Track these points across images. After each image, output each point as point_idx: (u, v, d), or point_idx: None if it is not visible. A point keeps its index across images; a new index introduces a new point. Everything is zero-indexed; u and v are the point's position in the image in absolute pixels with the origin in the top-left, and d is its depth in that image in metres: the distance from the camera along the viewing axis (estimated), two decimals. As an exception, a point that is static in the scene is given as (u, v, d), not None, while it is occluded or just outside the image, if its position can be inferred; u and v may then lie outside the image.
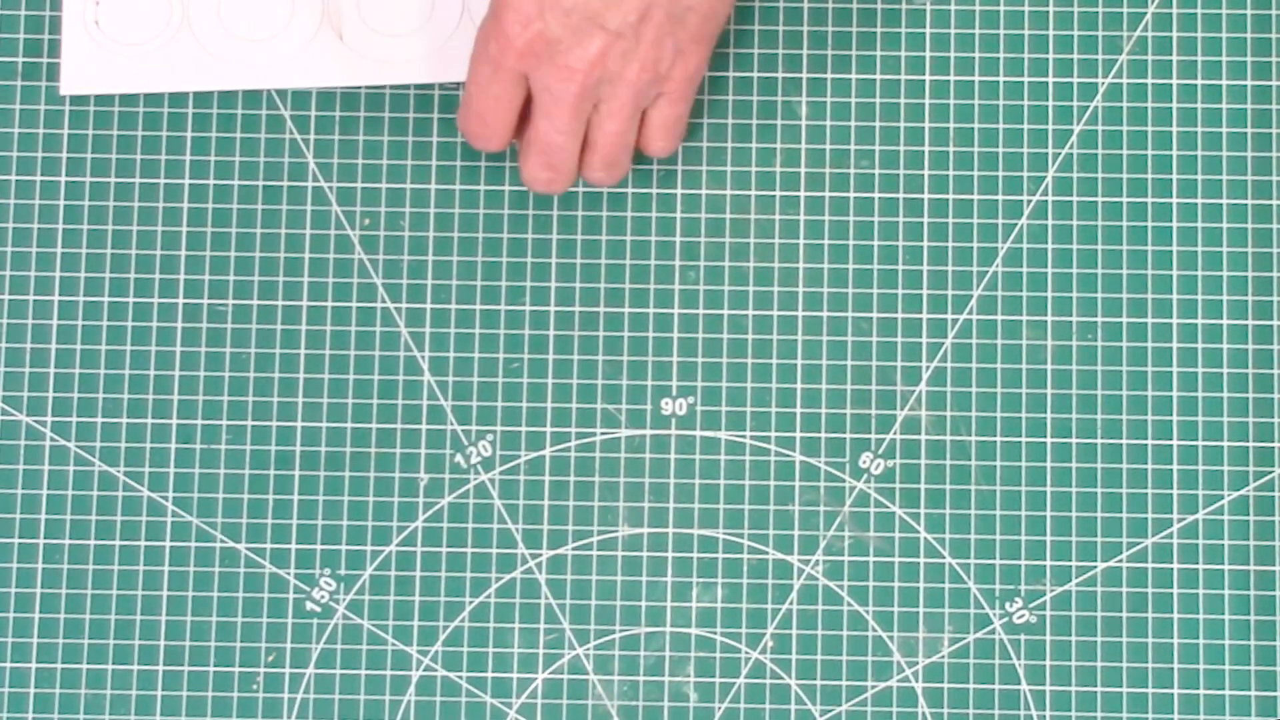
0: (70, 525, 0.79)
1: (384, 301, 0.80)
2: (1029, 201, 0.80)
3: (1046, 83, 0.81)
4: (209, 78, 0.80)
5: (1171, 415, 0.79)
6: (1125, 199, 0.80)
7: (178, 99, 0.81)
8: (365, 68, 0.80)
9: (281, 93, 0.81)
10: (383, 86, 0.81)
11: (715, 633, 0.79)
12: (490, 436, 0.80)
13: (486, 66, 0.75)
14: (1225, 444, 0.79)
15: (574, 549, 0.79)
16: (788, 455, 0.79)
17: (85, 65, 0.80)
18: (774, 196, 0.81)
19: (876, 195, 0.80)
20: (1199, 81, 0.81)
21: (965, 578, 0.79)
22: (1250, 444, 0.79)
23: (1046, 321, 0.79)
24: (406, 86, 0.81)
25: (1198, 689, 0.78)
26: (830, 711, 0.78)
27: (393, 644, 0.79)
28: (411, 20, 0.80)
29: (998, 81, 0.81)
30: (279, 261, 0.80)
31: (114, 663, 0.78)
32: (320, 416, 0.80)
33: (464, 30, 0.79)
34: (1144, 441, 0.79)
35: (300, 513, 0.79)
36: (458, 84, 0.81)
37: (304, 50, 0.80)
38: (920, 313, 0.80)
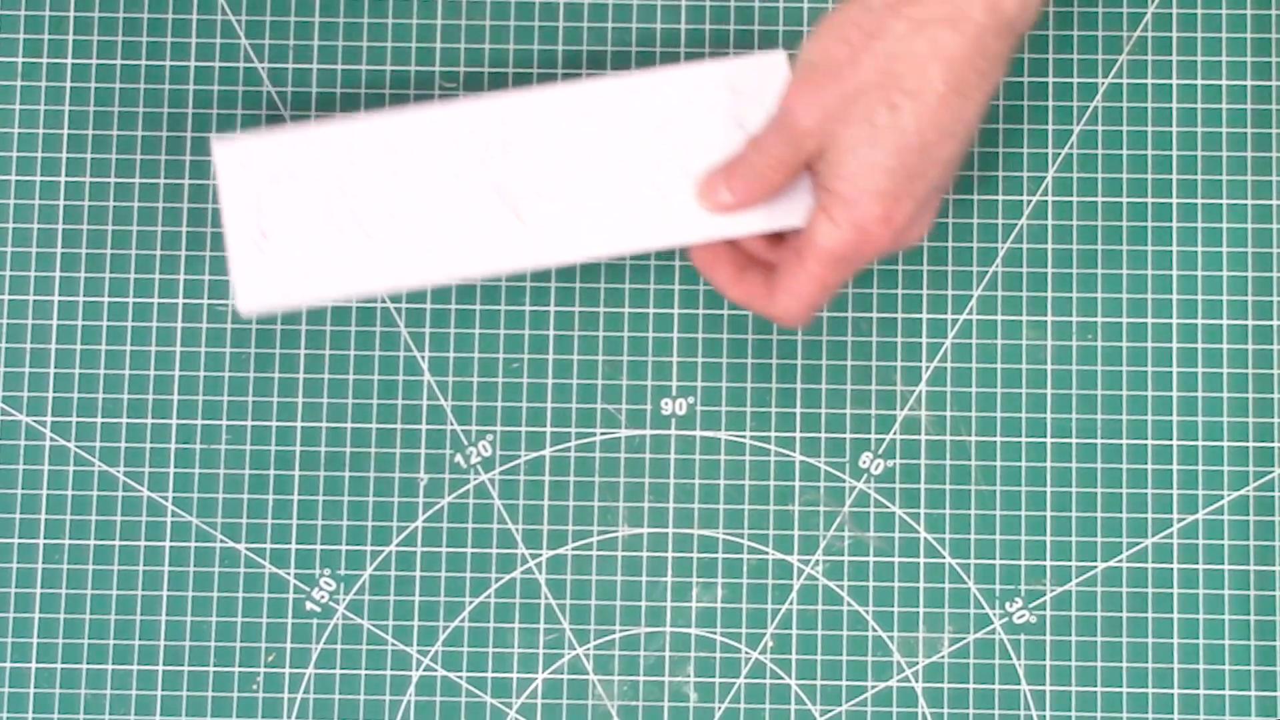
0: (70, 525, 0.79)
1: (384, 301, 0.80)
2: (1029, 201, 0.80)
3: (1046, 83, 0.81)
4: (387, 275, 0.75)
5: (1171, 415, 0.79)
6: (1125, 199, 0.80)
7: (176, 96, 0.81)
8: (552, 247, 0.75)
9: (281, 94, 0.81)
10: (381, 73, 0.81)
11: (715, 633, 0.79)
12: (490, 436, 0.80)
13: (830, 262, 0.72)
14: (1225, 444, 0.79)
15: (574, 549, 0.79)
16: (788, 455, 0.79)
17: (258, 279, 0.74)
18: (774, 196, 0.81)
19: (876, 195, 0.80)
20: (1199, 81, 0.81)
21: (965, 578, 0.79)
22: (1250, 444, 0.79)
23: (1046, 321, 0.79)
24: (406, 86, 0.81)
25: (1198, 689, 0.78)
26: (830, 711, 0.78)
27: (393, 644, 0.79)
28: (593, 194, 0.75)
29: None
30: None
31: (114, 663, 0.79)
32: (320, 416, 0.80)
33: (637, 197, 0.75)
34: (1144, 441, 0.79)
35: (300, 513, 0.79)
36: (451, 84, 0.81)
37: (484, 236, 0.75)
38: (920, 313, 0.80)
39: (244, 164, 0.74)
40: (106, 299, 0.80)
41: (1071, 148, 0.81)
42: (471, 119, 0.75)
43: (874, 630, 0.78)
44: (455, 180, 0.75)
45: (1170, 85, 0.80)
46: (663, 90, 0.75)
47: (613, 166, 0.75)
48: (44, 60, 0.81)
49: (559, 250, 0.75)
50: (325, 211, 0.74)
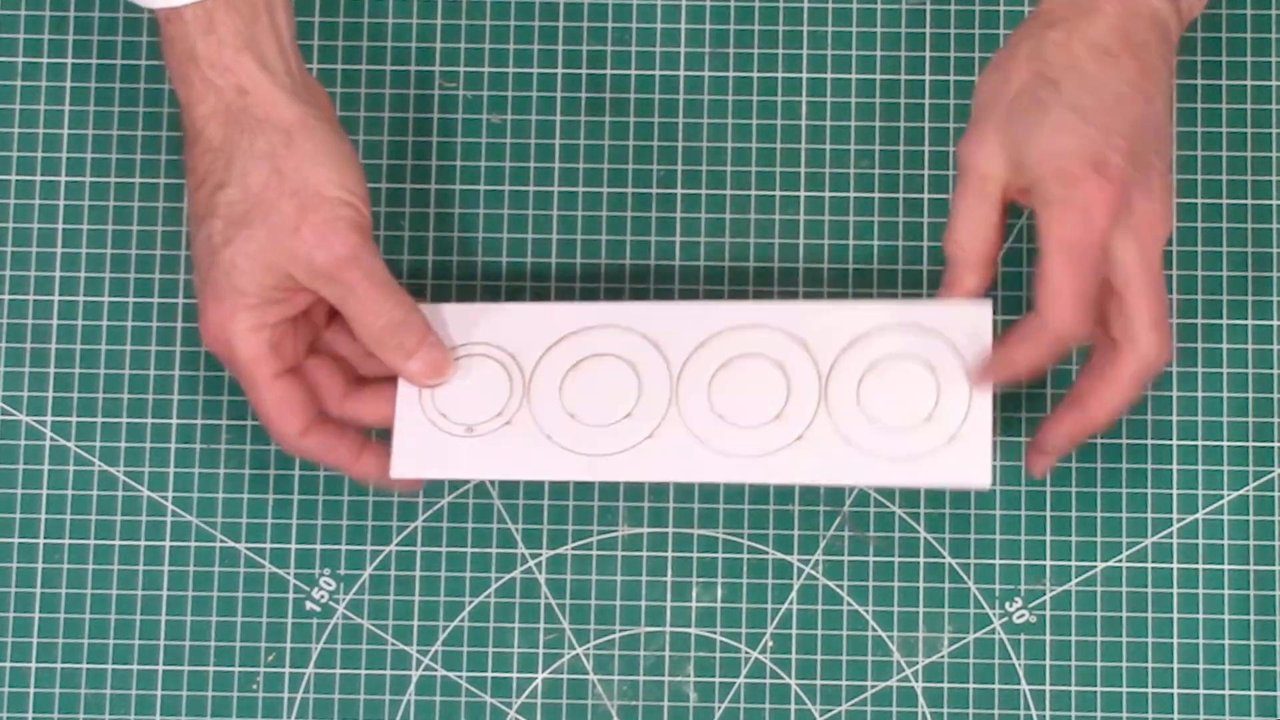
0: (70, 525, 0.79)
1: (384, 301, 0.80)
2: (1029, 201, 0.80)
3: (1046, 83, 0.81)
4: (547, 465, 0.74)
5: (1171, 415, 0.79)
6: (1125, 199, 0.80)
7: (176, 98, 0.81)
8: (713, 463, 0.73)
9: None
10: (381, 74, 0.81)
11: (715, 633, 0.79)
12: (490, 436, 0.80)
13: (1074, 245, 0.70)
14: (1225, 444, 0.79)
15: (574, 549, 0.79)
16: (788, 455, 0.79)
17: (417, 449, 0.74)
18: (774, 196, 0.81)
19: (876, 195, 0.80)
20: (1199, 81, 0.81)
21: (965, 578, 0.79)
22: (1250, 444, 0.79)
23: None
24: (406, 86, 0.81)
25: (1198, 689, 0.78)
26: (830, 711, 0.78)
27: (393, 644, 0.79)
28: (762, 413, 0.73)
29: (998, 81, 0.81)
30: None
31: (114, 663, 0.79)
32: (320, 416, 0.79)
33: (807, 432, 0.73)
34: (1144, 441, 0.79)
35: (300, 513, 0.79)
36: (451, 83, 0.81)
37: (650, 439, 0.74)
38: (920, 313, 0.80)
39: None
40: (106, 299, 0.80)
41: (1071, 148, 0.80)
42: (658, 319, 0.74)
43: (874, 630, 0.78)
44: (632, 377, 0.74)
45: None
46: (854, 318, 0.74)
47: (790, 389, 0.73)
48: (44, 60, 0.81)
49: (719, 470, 0.73)
50: (495, 386, 0.74)
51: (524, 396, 0.74)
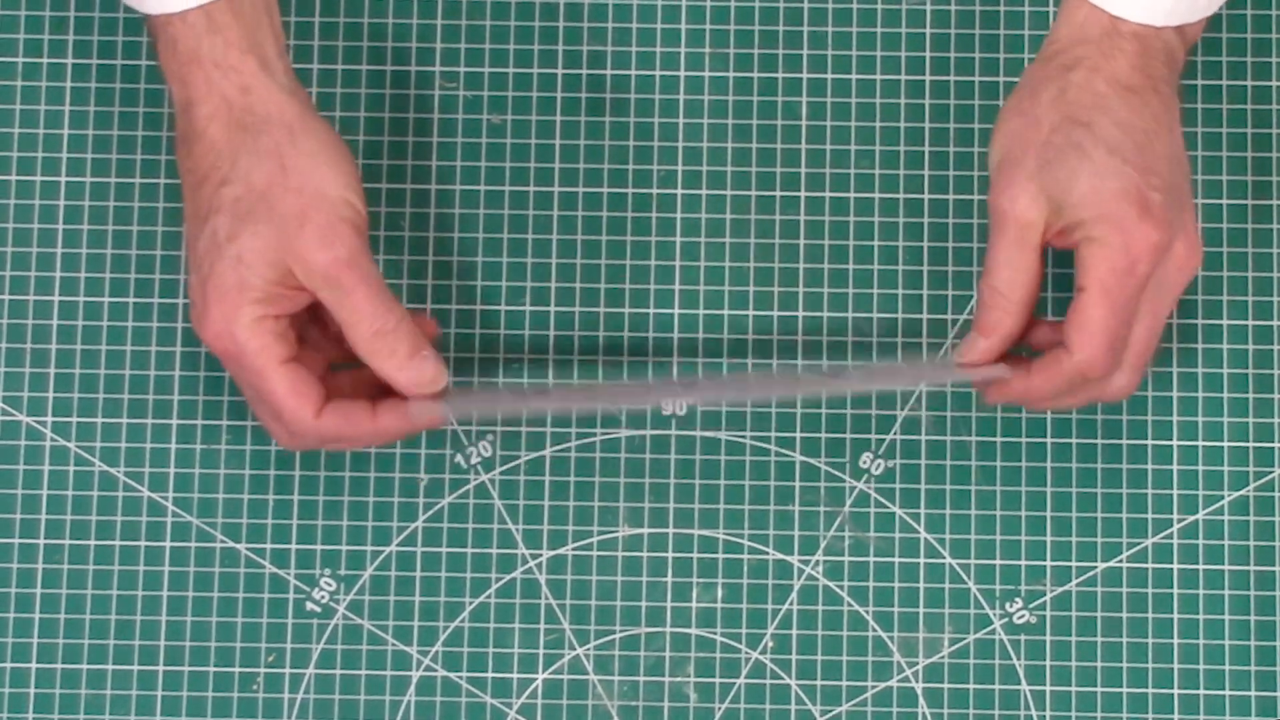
0: (70, 525, 0.79)
1: (384, 301, 0.80)
2: (1029, 201, 0.80)
3: (1046, 83, 0.81)
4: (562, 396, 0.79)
5: (1171, 415, 0.79)
6: (1125, 199, 0.80)
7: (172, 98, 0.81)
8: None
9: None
10: (381, 74, 0.81)
11: (715, 633, 0.79)
12: (490, 436, 0.80)
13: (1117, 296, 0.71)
14: (1225, 444, 0.79)
15: (574, 549, 0.79)
16: (788, 455, 0.79)
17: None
18: (774, 196, 0.81)
19: (876, 195, 0.80)
20: (1199, 82, 0.81)
21: (965, 578, 0.79)
22: (1250, 444, 0.79)
23: (1047, 297, 0.79)
24: (406, 86, 0.81)
25: (1198, 689, 0.78)
26: (830, 711, 0.78)
27: (393, 644, 0.79)
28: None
29: (998, 82, 0.81)
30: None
31: (114, 663, 0.78)
32: (320, 416, 0.79)
33: None
34: (1144, 441, 0.79)
35: (300, 513, 0.79)
36: (451, 83, 0.81)
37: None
38: (920, 313, 0.80)
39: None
40: (106, 299, 0.80)
41: (1071, 148, 0.80)
42: (670, 396, 0.77)
43: (874, 630, 0.78)
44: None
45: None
46: (870, 388, 0.77)
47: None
48: (44, 60, 0.81)
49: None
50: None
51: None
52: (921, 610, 0.78)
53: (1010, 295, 0.72)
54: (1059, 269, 0.76)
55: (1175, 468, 0.79)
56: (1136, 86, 0.71)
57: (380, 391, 0.73)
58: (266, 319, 0.71)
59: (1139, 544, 0.79)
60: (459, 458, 0.79)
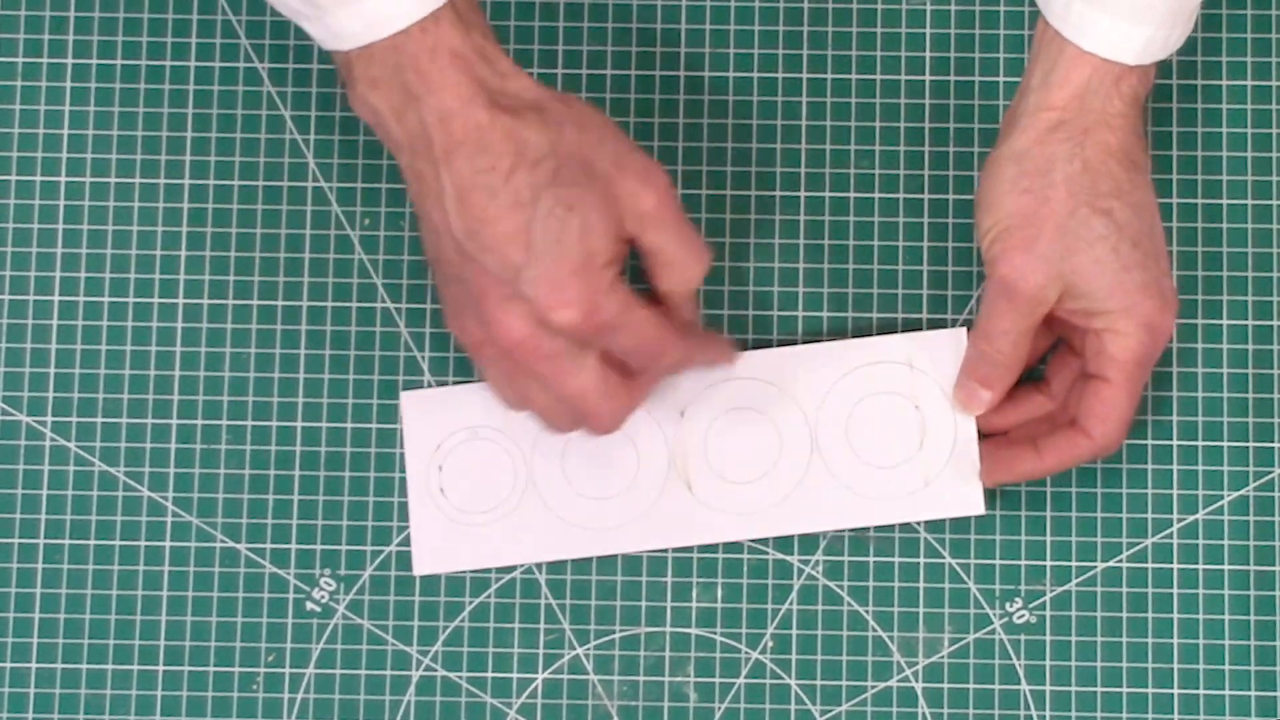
0: (70, 525, 0.79)
1: (384, 301, 0.80)
2: (1029, 201, 0.80)
3: (1046, 83, 0.81)
4: (560, 544, 0.77)
5: (1171, 415, 0.79)
6: (1125, 199, 0.80)
7: (177, 96, 0.81)
8: (718, 522, 0.77)
9: (282, 93, 0.81)
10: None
11: (715, 633, 0.79)
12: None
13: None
14: (1225, 444, 0.79)
15: (574, 549, 0.79)
16: (788, 455, 0.79)
17: (437, 544, 0.78)
18: (774, 196, 0.81)
19: (877, 195, 0.80)
20: (1199, 82, 0.81)
21: (965, 578, 0.79)
22: (1250, 444, 0.79)
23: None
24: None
25: (1198, 689, 0.78)
26: (830, 711, 0.78)
27: (392, 644, 0.79)
28: (758, 466, 0.77)
29: (998, 82, 0.81)
30: (279, 261, 0.80)
31: (114, 663, 0.78)
32: (320, 416, 0.80)
33: (808, 477, 0.77)
34: (1144, 441, 0.79)
35: (300, 513, 0.79)
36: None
37: (654, 505, 0.77)
38: (920, 313, 0.80)
39: (426, 413, 0.77)
40: (106, 299, 0.80)
41: (1071, 148, 0.80)
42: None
43: (874, 630, 0.78)
44: (629, 445, 0.77)
45: (1170, 85, 0.80)
46: (835, 361, 0.77)
47: (782, 439, 0.77)
48: (44, 60, 0.81)
49: (726, 529, 0.77)
50: (499, 470, 0.77)
51: (528, 477, 0.77)
52: (921, 610, 0.78)
53: (1012, 357, 0.74)
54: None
55: (1175, 468, 0.79)
56: (1137, 159, 0.72)
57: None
58: (619, 277, 0.70)
59: (1139, 544, 0.79)
60: (459, 458, 0.79)
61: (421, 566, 0.78)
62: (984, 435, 0.77)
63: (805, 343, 0.79)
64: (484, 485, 0.77)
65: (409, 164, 0.70)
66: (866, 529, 0.78)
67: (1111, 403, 0.73)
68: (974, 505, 0.77)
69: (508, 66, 0.70)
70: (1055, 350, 0.77)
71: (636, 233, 0.70)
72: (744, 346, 0.79)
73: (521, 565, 0.78)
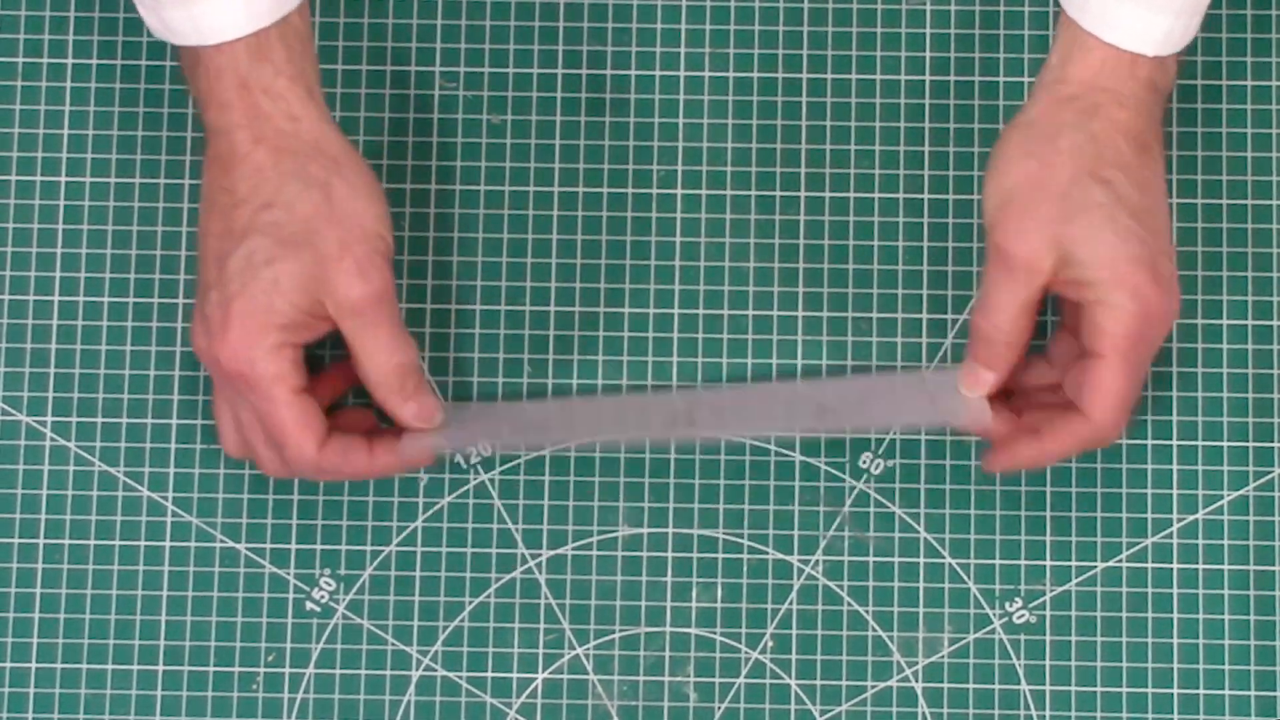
0: (70, 525, 0.79)
1: (384, 301, 0.80)
2: (1029, 201, 0.80)
3: (1046, 83, 0.81)
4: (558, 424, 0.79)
5: (1171, 415, 0.79)
6: (1125, 199, 0.80)
7: (177, 96, 0.81)
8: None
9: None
10: (381, 74, 0.81)
11: (715, 633, 0.79)
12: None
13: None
14: (1225, 444, 0.79)
15: (574, 549, 0.79)
16: (788, 455, 0.79)
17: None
18: (774, 196, 0.81)
19: (876, 195, 0.80)
20: (1199, 82, 0.81)
21: (965, 578, 0.79)
22: (1250, 444, 0.79)
23: (1046, 321, 0.79)
24: (406, 86, 0.81)
25: (1198, 689, 0.78)
26: (830, 711, 0.78)
27: (393, 644, 0.79)
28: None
29: (998, 81, 0.81)
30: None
31: (114, 663, 0.78)
32: (320, 416, 0.79)
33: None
34: (1144, 441, 0.79)
35: (300, 513, 0.79)
36: (451, 83, 0.81)
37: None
38: (920, 313, 0.80)
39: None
40: (106, 299, 0.80)
41: (1071, 148, 0.80)
42: (660, 406, 0.78)
43: (874, 630, 0.78)
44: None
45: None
46: (860, 397, 0.77)
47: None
48: (44, 60, 0.81)
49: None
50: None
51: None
52: (921, 610, 0.78)
53: (1012, 333, 0.73)
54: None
55: (1175, 468, 0.79)
56: (1149, 144, 0.72)
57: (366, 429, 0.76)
58: (286, 346, 0.71)
59: (1139, 544, 0.79)
60: (459, 457, 0.79)
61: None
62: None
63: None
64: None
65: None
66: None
67: (1103, 378, 0.71)
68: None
69: (297, 109, 0.72)
70: (1057, 331, 0.77)
71: (336, 318, 0.72)
72: (744, 349, 0.79)
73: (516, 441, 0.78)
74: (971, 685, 0.78)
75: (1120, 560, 0.79)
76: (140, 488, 0.79)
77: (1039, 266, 0.71)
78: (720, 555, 0.79)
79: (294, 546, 0.79)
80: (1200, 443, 0.79)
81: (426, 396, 0.74)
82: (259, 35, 0.71)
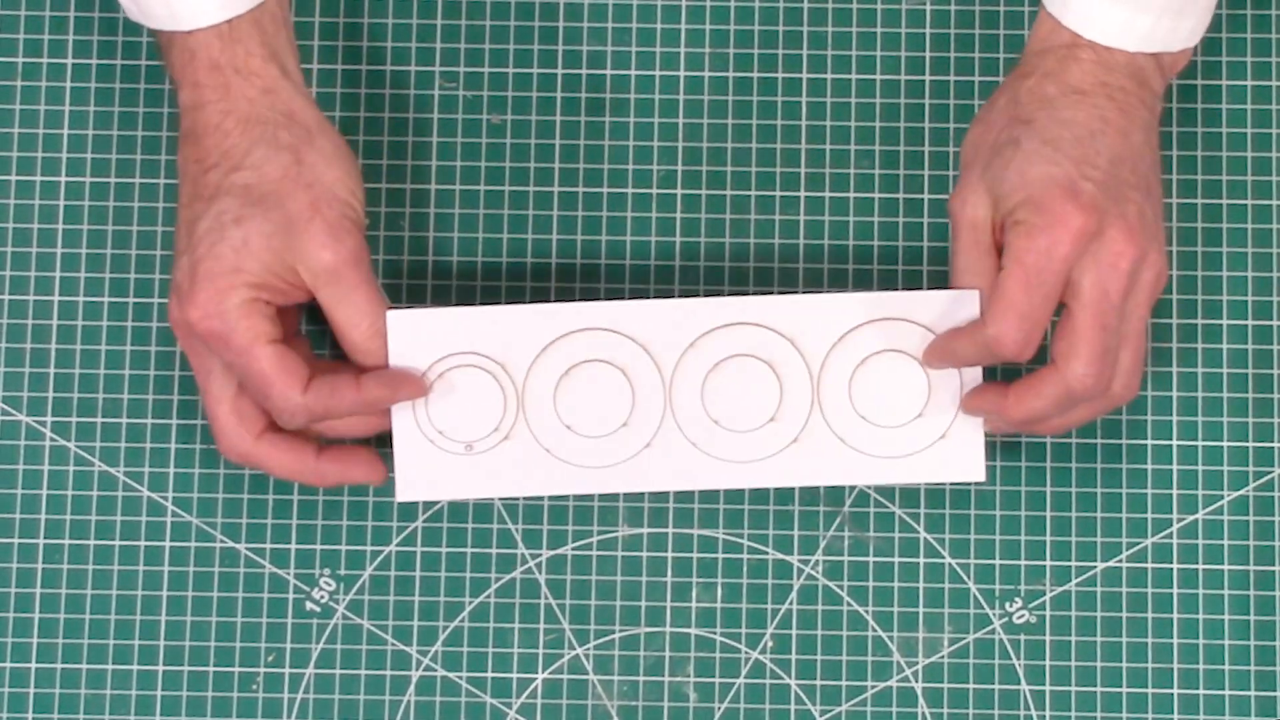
0: (70, 525, 0.79)
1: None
2: (1029, 201, 0.80)
3: (1046, 83, 0.81)
4: (549, 480, 0.75)
5: (1171, 415, 0.79)
6: (1125, 199, 0.80)
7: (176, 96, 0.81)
8: (711, 469, 0.75)
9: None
10: (381, 74, 0.81)
11: (715, 633, 0.79)
12: (490, 436, 0.79)
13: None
14: (1225, 444, 0.79)
15: (574, 549, 0.79)
16: (788, 455, 0.79)
17: (421, 471, 0.75)
18: (774, 196, 0.81)
19: (876, 195, 0.80)
20: (1199, 82, 0.81)
21: (965, 578, 0.79)
22: (1250, 444, 0.79)
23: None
24: (406, 86, 0.81)
25: (1198, 689, 0.78)
26: (830, 711, 0.78)
27: (393, 644, 0.79)
28: (757, 416, 0.75)
29: (998, 82, 0.81)
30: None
31: (114, 663, 0.79)
32: (320, 416, 0.79)
33: (812, 434, 0.75)
34: (1144, 441, 0.79)
35: (300, 513, 0.79)
36: (451, 83, 0.81)
37: (648, 447, 0.75)
38: (920, 313, 0.80)
39: (414, 334, 0.74)
40: (106, 299, 0.80)
41: (1071, 148, 0.80)
42: (644, 320, 0.75)
43: (874, 630, 0.78)
44: (624, 383, 0.75)
45: (1170, 85, 0.80)
46: (845, 313, 0.75)
47: (783, 390, 0.75)
48: (44, 60, 0.81)
49: (718, 476, 0.75)
50: (489, 399, 0.75)
51: (519, 409, 0.75)
52: (921, 610, 0.78)
53: (983, 289, 0.73)
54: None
55: (1175, 468, 0.79)
56: (1087, 90, 0.72)
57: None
58: (258, 302, 0.71)
59: (1139, 544, 0.79)
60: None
61: (405, 493, 0.75)
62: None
63: (811, 290, 0.78)
64: (473, 413, 0.75)
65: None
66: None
67: (1003, 292, 0.70)
68: (975, 471, 0.75)
69: (271, 83, 0.72)
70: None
71: (310, 283, 0.72)
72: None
73: (507, 498, 0.77)
74: (971, 685, 0.78)
75: (1120, 560, 0.79)
76: (140, 488, 0.79)
77: (976, 218, 0.72)
78: (720, 555, 0.79)
79: (294, 546, 0.79)
80: (1200, 443, 0.79)
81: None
82: (232, 20, 0.72)
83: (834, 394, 0.75)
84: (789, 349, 0.75)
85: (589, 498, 0.79)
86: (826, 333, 0.75)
